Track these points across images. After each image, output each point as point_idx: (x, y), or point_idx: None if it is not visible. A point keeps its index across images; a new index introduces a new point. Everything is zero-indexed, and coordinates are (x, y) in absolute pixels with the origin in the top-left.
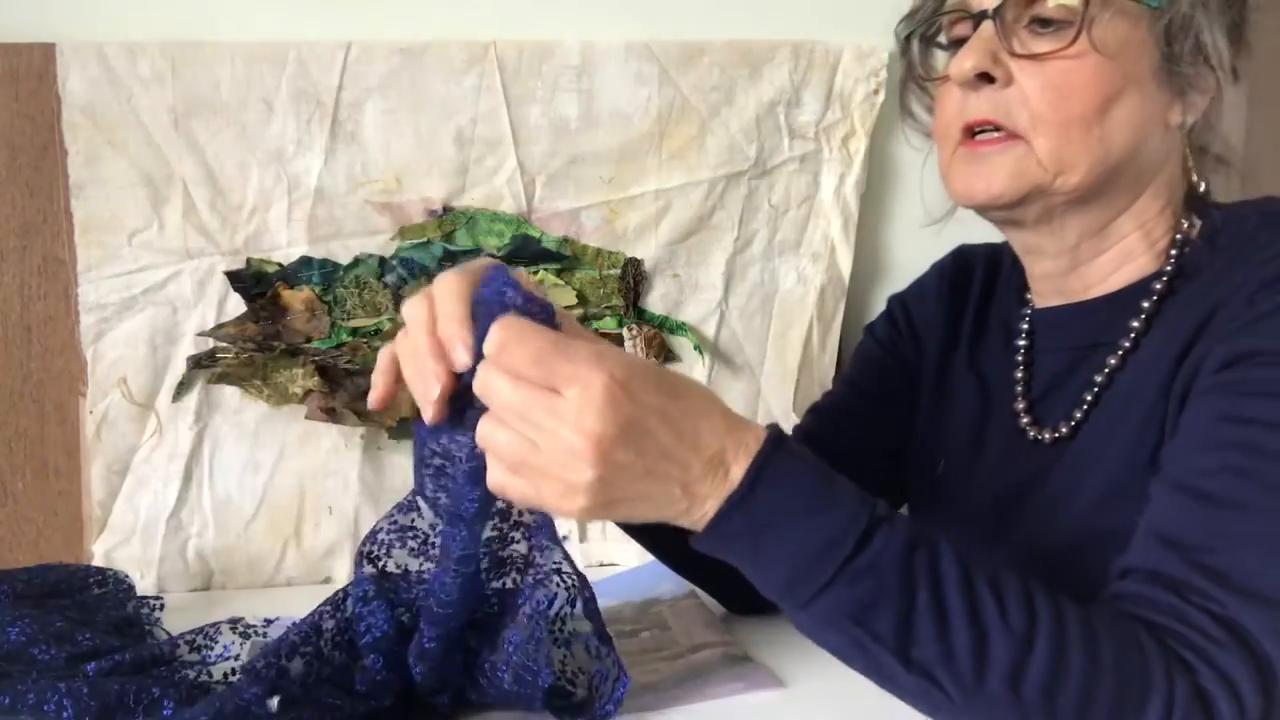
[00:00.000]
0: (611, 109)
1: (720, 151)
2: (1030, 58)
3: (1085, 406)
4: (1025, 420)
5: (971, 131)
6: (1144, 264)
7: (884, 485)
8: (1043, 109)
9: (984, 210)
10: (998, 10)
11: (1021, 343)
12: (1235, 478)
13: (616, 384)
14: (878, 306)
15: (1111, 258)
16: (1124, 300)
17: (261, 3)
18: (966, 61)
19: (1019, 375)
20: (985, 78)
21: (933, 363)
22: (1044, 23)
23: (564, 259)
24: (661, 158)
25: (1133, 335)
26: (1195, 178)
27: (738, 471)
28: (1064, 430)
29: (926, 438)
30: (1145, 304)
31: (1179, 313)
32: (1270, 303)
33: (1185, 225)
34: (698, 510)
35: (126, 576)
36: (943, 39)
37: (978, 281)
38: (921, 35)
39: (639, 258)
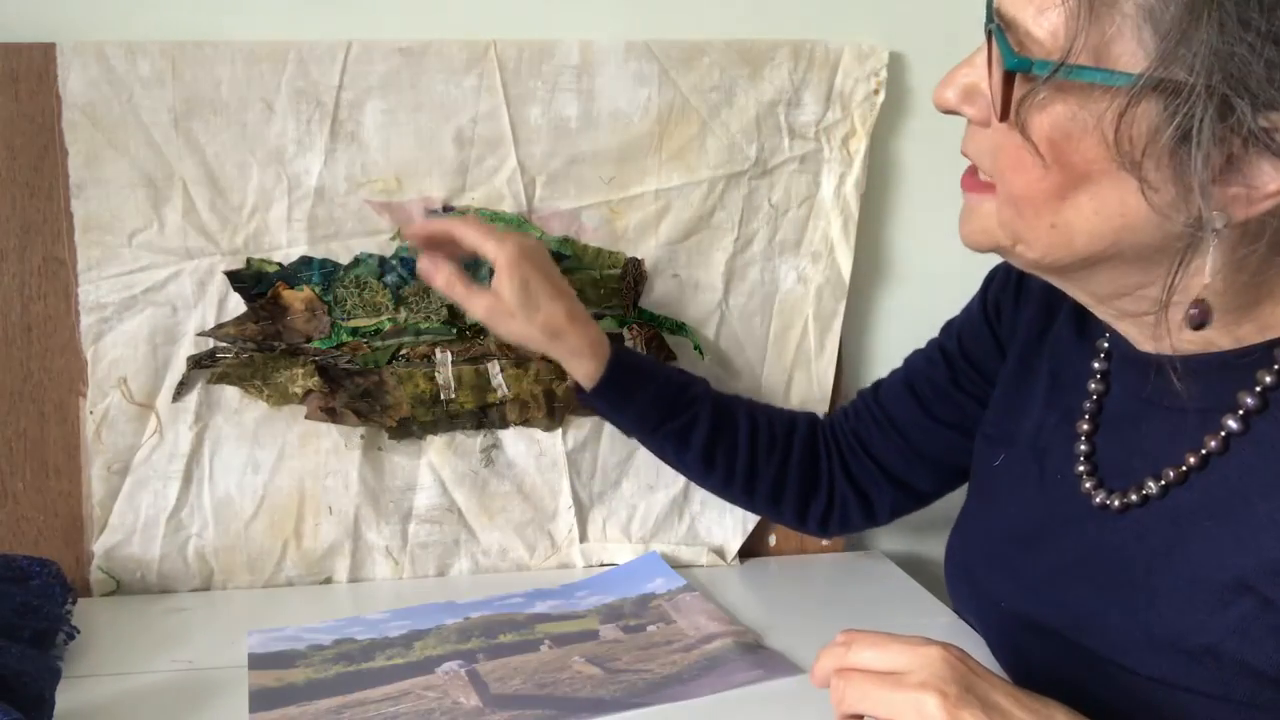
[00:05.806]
0: (611, 109)
1: (720, 151)
2: None
3: (1183, 470)
4: (1089, 484)
5: None
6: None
7: (952, 463)
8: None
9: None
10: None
11: (1093, 386)
12: None
13: (954, 655)
14: (878, 306)
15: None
16: (1250, 358)
17: (261, 3)
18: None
19: (1084, 429)
20: None
21: (1023, 336)
22: None
23: (564, 259)
24: (661, 158)
25: (1260, 391)
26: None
27: None
28: (1135, 497)
29: (995, 422)
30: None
31: None
32: None
33: None
34: None
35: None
36: None
37: None
38: None
39: (639, 258)
